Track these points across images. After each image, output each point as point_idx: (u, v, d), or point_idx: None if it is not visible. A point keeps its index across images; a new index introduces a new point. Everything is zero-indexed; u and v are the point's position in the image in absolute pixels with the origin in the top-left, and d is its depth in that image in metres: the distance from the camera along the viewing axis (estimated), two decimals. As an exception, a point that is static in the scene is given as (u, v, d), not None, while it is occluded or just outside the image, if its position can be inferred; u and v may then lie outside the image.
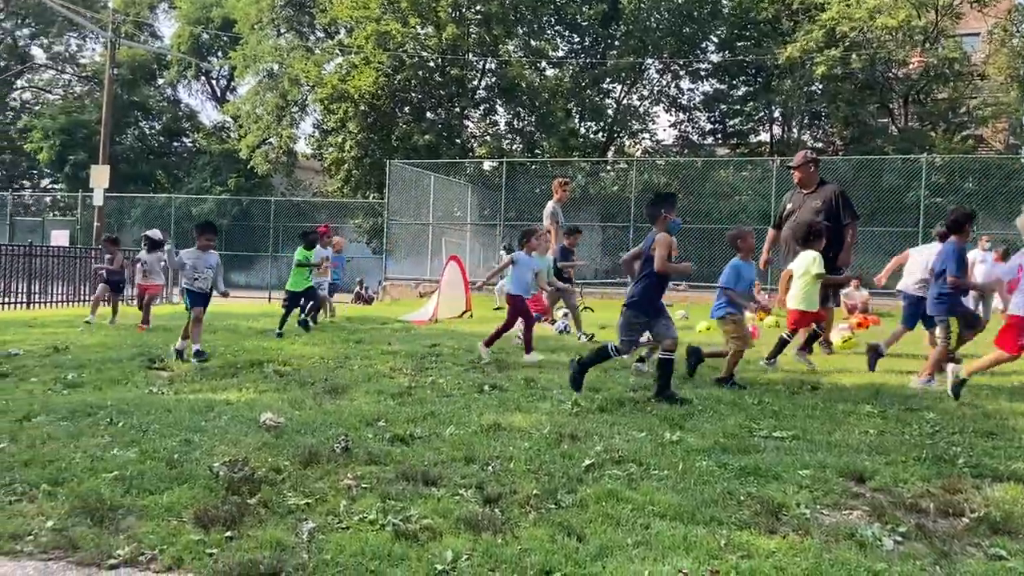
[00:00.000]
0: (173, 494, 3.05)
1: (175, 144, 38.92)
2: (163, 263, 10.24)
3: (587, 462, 3.58)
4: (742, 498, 3.13)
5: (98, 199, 22.48)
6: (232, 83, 39.64)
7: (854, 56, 24.73)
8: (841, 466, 3.57)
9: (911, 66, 24.70)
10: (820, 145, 29.33)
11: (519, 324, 7.61)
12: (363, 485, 3.24)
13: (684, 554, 2.56)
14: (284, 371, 6.14)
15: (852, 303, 15.01)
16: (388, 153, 26.54)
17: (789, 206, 8.08)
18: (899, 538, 2.76)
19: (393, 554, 2.55)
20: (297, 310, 9.28)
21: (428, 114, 29.71)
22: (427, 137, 27.39)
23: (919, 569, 2.48)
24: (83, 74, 40.56)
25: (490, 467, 3.53)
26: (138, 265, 9.42)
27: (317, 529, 2.77)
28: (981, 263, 13.40)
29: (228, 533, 2.69)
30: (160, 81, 39.20)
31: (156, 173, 35.68)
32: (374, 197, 27.55)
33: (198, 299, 7.14)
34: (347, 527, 2.79)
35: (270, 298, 22.62)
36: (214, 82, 41.05)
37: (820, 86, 26.38)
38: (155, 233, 9.55)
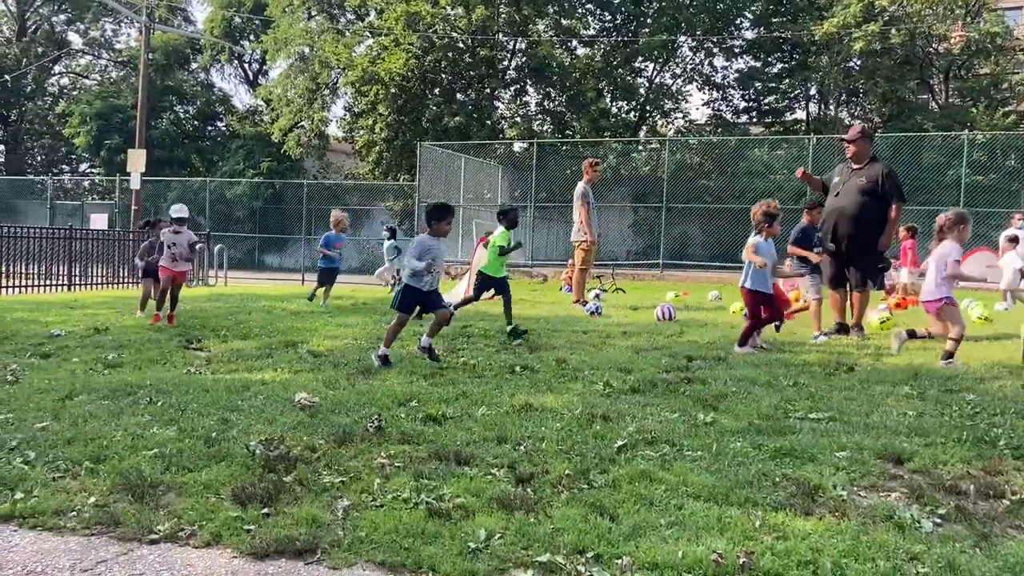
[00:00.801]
0: (211, 471, 3.10)
1: (209, 128, 39.30)
2: (199, 245, 9.86)
3: (619, 443, 3.57)
4: (777, 479, 3.10)
5: (135, 183, 22.82)
6: (264, 67, 39.88)
7: (893, 31, 24.14)
8: (879, 448, 3.52)
9: (952, 41, 24.04)
10: (859, 122, 28.75)
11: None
12: (396, 464, 3.26)
13: (718, 535, 2.54)
14: (318, 352, 6.20)
15: (892, 283, 14.73)
16: (418, 135, 26.56)
17: (836, 179, 7.93)
18: (938, 520, 2.72)
19: (427, 532, 2.57)
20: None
21: (458, 95, 29.63)
22: (457, 119, 27.35)
23: (959, 551, 2.43)
24: (119, 59, 41.04)
25: (522, 447, 3.53)
26: (167, 248, 8.26)
27: (351, 507, 2.80)
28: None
29: (265, 510, 2.73)
30: (194, 66, 39.55)
31: (191, 157, 36.07)
32: (405, 179, 27.61)
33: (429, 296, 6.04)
34: (381, 505, 2.81)
35: (303, 280, 22.84)
36: (246, 66, 41.33)
37: (858, 62, 25.83)
38: (180, 209, 8.45)
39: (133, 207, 23.33)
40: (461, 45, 28.69)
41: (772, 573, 2.26)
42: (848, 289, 7.75)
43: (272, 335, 7.12)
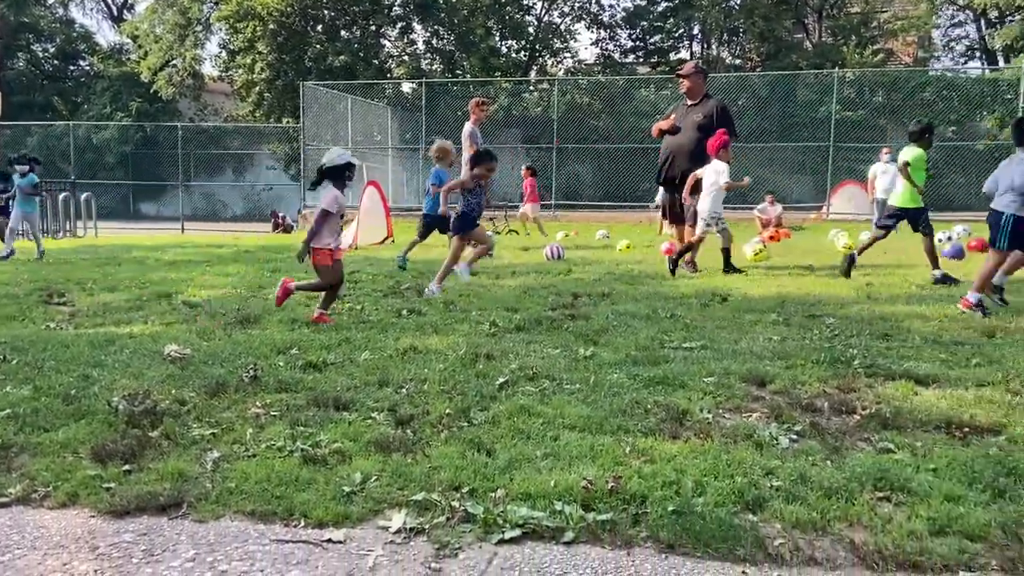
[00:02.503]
0: (69, 430, 2.94)
1: (71, 68, 36.48)
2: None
3: (501, 380, 3.60)
4: (649, 407, 3.21)
5: (-11, 129, 21.02)
6: (129, 0, 37.21)
7: (771, -30, 24.75)
8: (744, 372, 3.69)
9: (825, -20, 24.87)
10: (739, 62, 29.52)
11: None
12: (272, 413, 3.19)
13: (590, 462, 2.61)
14: (193, 302, 5.95)
15: (767, 218, 15.41)
16: (301, 75, 25.52)
17: (673, 116, 8.18)
18: (794, 436, 2.88)
19: (300, 479, 2.53)
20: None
21: (343, 33, 28.56)
22: (342, 58, 26.41)
23: (811, 464, 2.59)
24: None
25: (404, 389, 3.52)
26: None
27: (222, 458, 2.72)
28: (883, 174, 13.90)
29: (126, 467, 2.62)
30: (50, 0, 36.44)
31: (52, 100, 33.49)
32: (288, 121, 26.58)
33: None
34: (254, 455, 2.75)
35: (183, 228, 21.85)
36: (109, 0, 38.42)
37: (737, 2, 26.36)
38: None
39: (-11, 155, 21.53)
40: (343, -21, 27.55)
41: (638, 495, 2.35)
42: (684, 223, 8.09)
43: (144, 287, 6.78)
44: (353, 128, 22.10)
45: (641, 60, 31.88)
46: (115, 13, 38.45)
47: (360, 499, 2.39)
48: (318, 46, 27.29)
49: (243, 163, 31.66)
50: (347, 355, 4.17)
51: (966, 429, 2.90)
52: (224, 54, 30.39)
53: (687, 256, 7.85)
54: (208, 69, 32.37)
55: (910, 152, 7.28)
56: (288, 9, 26.23)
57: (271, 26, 26.15)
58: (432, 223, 8.33)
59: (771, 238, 11.94)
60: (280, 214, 21.62)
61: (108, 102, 31.66)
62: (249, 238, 14.31)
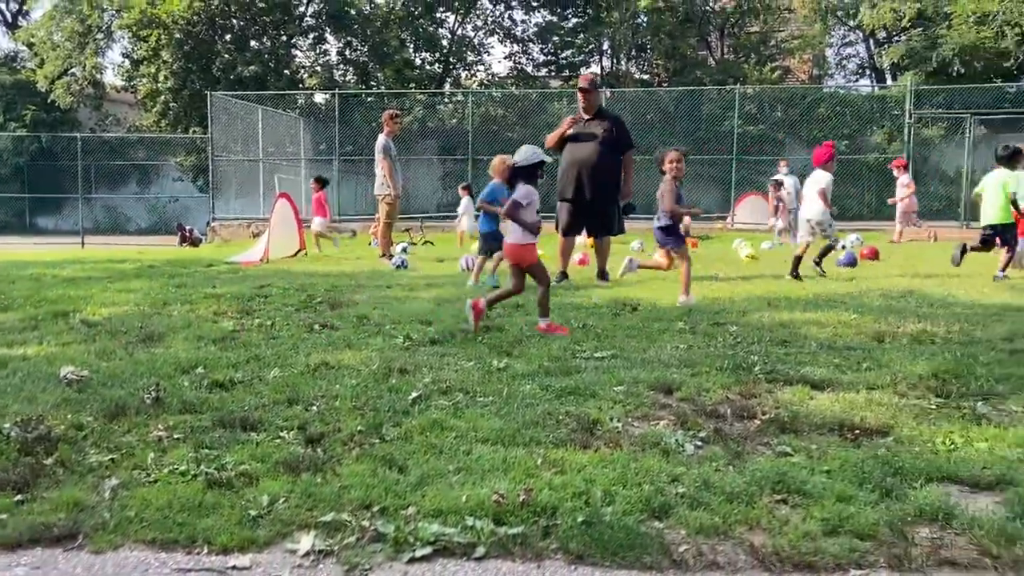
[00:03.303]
0: (-47, 462, 2.78)
1: (-41, 76, 34.44)
2: None
3: (414, 394, 3.59)
4: (560, 417, 3.26)
5: None
6: (24, 6, 35.44)
7: (674, -11, 25.57)
8: (652, 380, 3.79)
9: (723, 0, 25.84)
10: (647, 77, 30.31)
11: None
12: (175, 436, 3.09)
13: (502, 475, 2.64)
14: (93, 321, 5.70)
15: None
16: (209, 84, 24.81)
17: (571, 131, 8.00)
18: (699, 443, 2.98)
19: (204, 504, 2.46)
20: None
21: (252, 43, 27.94)
22: (252, 68, 25.84)
23: (714, 470, 2.69)
24: None
25: (314, 407, 3.46)
26: None
27: (121, 485, 2.62)
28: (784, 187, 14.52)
29: (19, 497, 2.49)
30: (-65, 3, 34.41)
31: (-63, 108, 31.54)
32: (196, 132, 25.80)
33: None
34: (155, 481, 2.65)
35: (83, 243, 20.88)
36: (3, 5, 36.51)
37: (644, 19, 27.10)
38: None
39: None
40: (252, -12, 26.97)
41: (549, 506, 2.38)
42: (587, 237, 8.22)
43: (39, 305, 6.45)
44: (264, 139, 21.62)
45: (553, 74, 32.36)
46: (9, 20, 36.58)
47: (267, 522, 2.35)
48: (227, 56, 26.61)
49: (148, 175, 30.54)
50: (256, 373, 4.07)
51: (857, 431, 3.06)
52: (127, 63, 29.31)
53: (816, 259, 8.40)
54: (110, 78, 31.14)
55: (1007, 175, 8.21)
56: (195, 18, 25.51)
57: (177, 35, 25.37)
58: (493, 240, 7.69)
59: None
60: (187, 227, 20.93)
61: (1, 112, 30.03)
62: (154, 252, 13.79)
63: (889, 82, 26.78)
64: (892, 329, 5.00)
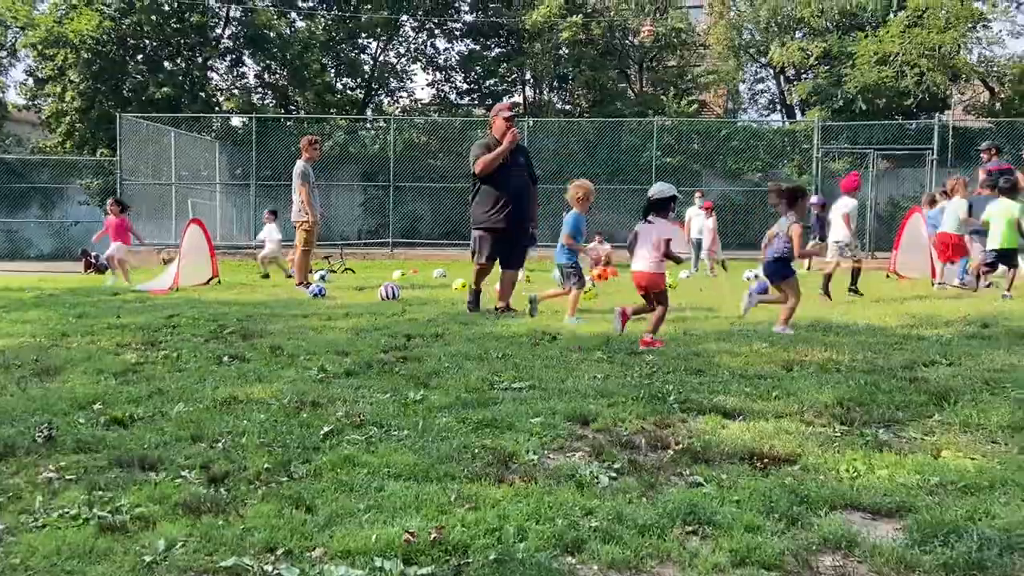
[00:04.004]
0: None
1: None
2: None
3: (326, 429, 3.49)
4: (476, 451, 3.22)
5: None
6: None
7: (593, 23, 26.17)
8: (569, 411, 3.79)
9: (642, 35, 26.62)
10: (568, 107, 30.84)
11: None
12: (67, 477, 2.91)
13: (414, 513, 2.57)
14: (-17, 354, 5.36)
15: (595, 255, 16.02)
16: (119, 105, 24.01)
17: (502, 160, 7.71)
18: (613, 474, 2.98)
19: (96, 550, 2.31)
20: None
21: (166, 64, 27.20)
22: (165, 89, 25.13)
23: (627, 502, 2.69)
24: None
25: (220, 444, 3.32)
26: None
27: (6, 531, 2.45)
28: (697, 217, 14.93)
29: None
30: None
31: None
32: (104, 154, 24.86)
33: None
34: (43, 525, 2.49)
35: (-20, 270, 19.73)
36: None
37: (566, 51, 27.62)
38: None
39: None
40: (167, 8, 26.30)
41: (461, 544, 2.33)
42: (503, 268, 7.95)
43: (-77, 338, 6.05)
44: (177, 162, 20.99)
45: (476, 103, 32.58)
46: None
47: (163, 569, 2.22)
48: (138, 76, 25.82)
49: (51, 198, 29.17)
50: (158, 408, 3.89)
51: (766, 460, 3.12)
52: (31, 82, 28.10)
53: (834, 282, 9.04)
54: (12, 97, 29.75)
55: (1010, 204, 9.27)
56: (104, 37, 24.69)
57: (85, 54, 24.50)
58: (579, 273, 7.44)
59: (599, 276, 12.44)
60: (92, 253, 20.03)
61: None
62: (56, 280, 13.15)
63: (798, 117, 27.98)
64: (800, 357, 5.16)
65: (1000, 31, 38.59)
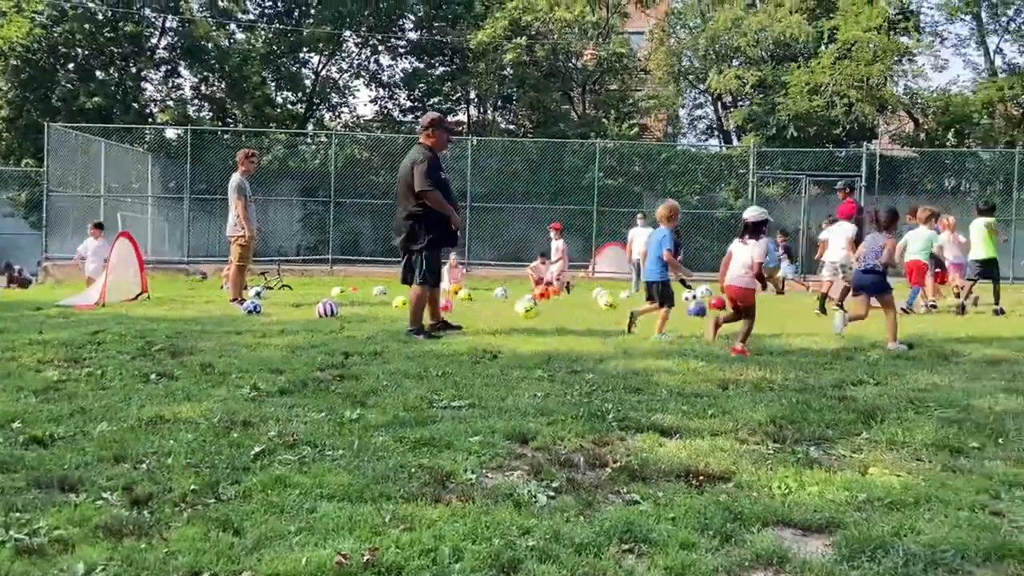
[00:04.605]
0: None
1: None
2: None
3: (257, 449, 3.39)
4: (413, 470, 3.17)
5: None
6: None
7: (537, 46, 26.47)
8: (508, 430, 3.77)
9: (585, 58, 27.04)
10: (512, 127, 31.07)
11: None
12: (-20, 500, 2.76)
13: (347, 534, 2.51)
14: None
15: (539, 275, 16.12)
16: (48, 115, 23.23)
17: (443, 176, 7.65)
18: (552, 493, 2.96)
19: (12, 574, 2.20)
20: None
21: (98, 73, 26.47)
22: (96, 99, 24.45)
23: (565, 521, 2.67)
24: None
25: (144, 464, 3.20)
26: None
27: (-91, 558, 2.30)
28: (639, 238, 15.16)
29: None
30: None
31: None
32: (30, 164, 23.99)
33: None
34: (-49, 553, 2.35)
35: None
36: None
37: (510, 71, 27.86)
38: None
39: None
40: (100, 17, 25.63)
41: (395, 567, 2.28)
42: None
43: None
44: (107, 174, 20.37)
45: (419, 120, 32.55)
46: None
47: (79, 596, 2.11)
48: (69, 85, 25.05)
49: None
50: (80, 427, 3.73)
51: (701, 477, 3.15)
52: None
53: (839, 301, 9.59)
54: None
55: (986, 220, 10.78)
56: (35, 45, 23.92)
57: (13, 62, 23.68)
58: (668, 290, 7.51)
59: (542, 295, 12.49)
60: (16, 267, 19.28)
61: None
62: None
63: (735, 142, 28.73)
64: (736, 376, 5.24)
65: (924, 65, 40.48)
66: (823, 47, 25.23)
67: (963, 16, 27.29)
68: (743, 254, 6.64)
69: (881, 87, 24.89)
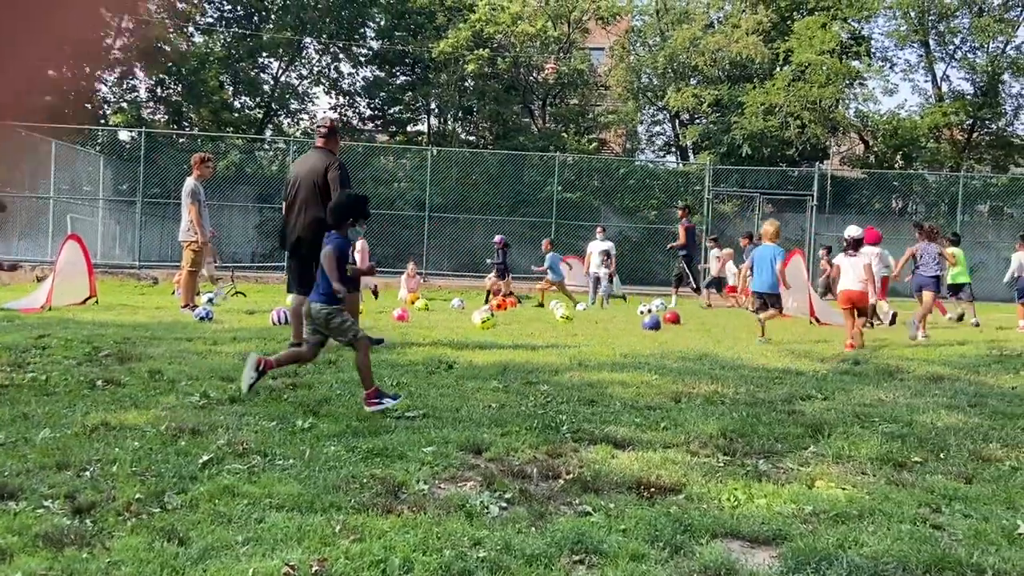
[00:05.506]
0: None
1: None
2: None
3: (205, 458, 3.33)
4: (365, 480, 3.14)
5: None
6: None
7: (499, 58, 26.61)
8: (462, 440, 3.76)
9: (546, 72, 27.25)
10: (472, 138, 31.10)
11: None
12: (-89, 508, 2.66)
13: (296, 545, 2.48)
14: None
15: (497, 287, 16.10)
16: (-4, 112, 22.55)
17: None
18: (504, 504, 2.96)
19: (-61, 589, 2.12)
20: None
21: (49, 72, 25.81)
22: (47, 98, 23.81)
23: (516, 532, 2.67)
24: None
25: (88, 472, 3.12)
26: None
27: None
28: (597, 252, 15.25)
29: None
30: None
31: None
32: (-25, 163, 23.25)
33: None
34: None
35: None
36: None
37: (471, 83, 27.92)
38: None
39: None
40: (53, 14, 25.03)
41: (344, 577, 2.25)
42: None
43: None
44: (57, 175, 19.86)
45: (380, 129, 32.40)
46: None
47: (15, 609, 2.05)
48: (18, 82, 24.39)
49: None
50: (21, 434, 3.62)
51: (653, 489, 3.18)
52: None
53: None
54: None
55: (957, 250, 11.91)
56: (-18, 38, 23.26)
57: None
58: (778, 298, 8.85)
59: (499, 306, 12.50)
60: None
61: None
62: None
63: (691, 159, 29.18)
64: (688, 389, 5.31)
65: (874, 89, 41.73)
66: (778, 69, 25.81)
67: (912, 43, 28.16)
68: (855, 264, 8.05)
69: (833, 109, 25.54)
